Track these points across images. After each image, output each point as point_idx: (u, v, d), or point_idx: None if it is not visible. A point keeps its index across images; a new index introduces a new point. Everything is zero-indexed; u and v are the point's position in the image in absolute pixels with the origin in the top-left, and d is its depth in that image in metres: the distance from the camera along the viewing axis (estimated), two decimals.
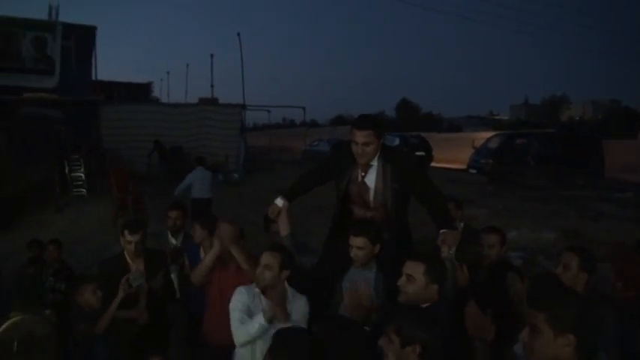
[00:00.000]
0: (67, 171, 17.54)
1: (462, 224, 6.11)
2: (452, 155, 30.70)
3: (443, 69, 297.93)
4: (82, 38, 24.39)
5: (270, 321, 3.53)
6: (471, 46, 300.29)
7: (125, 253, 4.71)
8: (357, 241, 3.83)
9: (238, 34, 28.03)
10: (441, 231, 4.06)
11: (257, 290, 3.82)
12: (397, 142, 29.36)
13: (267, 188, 18.32)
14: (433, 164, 29.05)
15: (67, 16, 25.48)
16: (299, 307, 3.79)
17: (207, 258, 4.40)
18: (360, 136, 4.11)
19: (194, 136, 23.37)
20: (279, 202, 4.51)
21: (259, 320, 3.55)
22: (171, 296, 5.01)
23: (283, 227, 4.49)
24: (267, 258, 3.74)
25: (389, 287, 3.65)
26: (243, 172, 22.87)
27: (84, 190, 17.41)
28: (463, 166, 24.48)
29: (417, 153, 28.30)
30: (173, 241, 5.73)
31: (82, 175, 17.57)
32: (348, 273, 3.98)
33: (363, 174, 4.31)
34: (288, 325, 3.39)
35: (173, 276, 5.23)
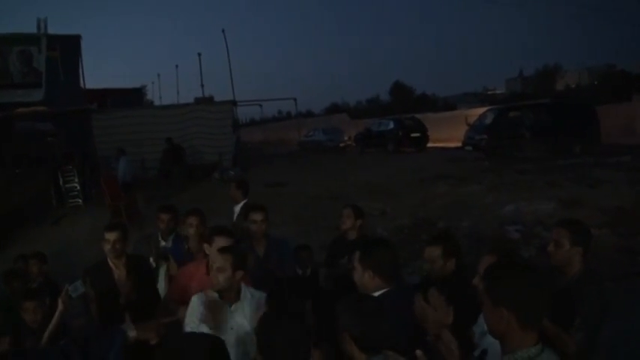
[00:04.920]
0: (61, 182, 17.53)
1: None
2: (447, 134, 30.63)
3: (435, 49, 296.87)
4: (68, 48, 24.26)
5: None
6: (461, 22, 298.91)
7: (107, 258, 4.73)
8: None
9: (223, 31, 28.01)
10: None
11: (213, 296, 3.78)
12: (392, 125, 29.32)
13: (264, 183, 18.32)
14: (430, 144, 29.05)
15: (54, 29, 25.36)
16: (257, 307, 3.78)
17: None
18: None
19: (188, 136, 23.22)
20: None
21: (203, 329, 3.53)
22: (158, 301, 4.95)
23: None
24: (218, 260, 3.71)
25: None
26: (238, 169, 22.83)
27: (80, 200, 17.43)
28: (459, 144, 24.36)
29: (413, 134, 28.34)
30: (163, 242, 5.66)
31: (77, 185, 17.58)
32: None
33: None
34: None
35: (161, 278, 5.19)
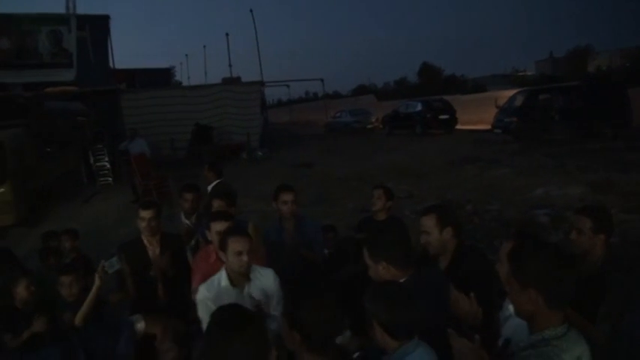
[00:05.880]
0: (91, 161, 17.78)
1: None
2: (477, 116, 30.34)
3: (464, 29, 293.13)
4: (97, 28, 24.53)
5: None
6: (491, 2, 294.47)
7: (142, 235, 4.83)
8: None
9: (251, 11, 28.08)
10: None
11: (223, 283, 3.78)
12: (420, 107, 29.08)
13: (290, 163, 18.39)
14: (458, 127, 28.79)
15: (82, 8, 25.51)
16: (267, 283, 3.85)
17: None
18: None
19: (216, 117, 23.41)
20: None
21: None
22: (189, 276, 5.04)
23: None
24: (242, 244, 3.68)
25: None
26: (265, 149, 22.94)
27: (110, 178, 17.71)
28: (488, 127, 24.12)
29: (441, 116, 28.08)
30: (186, 221, 5.74)
31: (107, 163, 17.85)
32: None
33: None
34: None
35: (189, 256, 5.27)
